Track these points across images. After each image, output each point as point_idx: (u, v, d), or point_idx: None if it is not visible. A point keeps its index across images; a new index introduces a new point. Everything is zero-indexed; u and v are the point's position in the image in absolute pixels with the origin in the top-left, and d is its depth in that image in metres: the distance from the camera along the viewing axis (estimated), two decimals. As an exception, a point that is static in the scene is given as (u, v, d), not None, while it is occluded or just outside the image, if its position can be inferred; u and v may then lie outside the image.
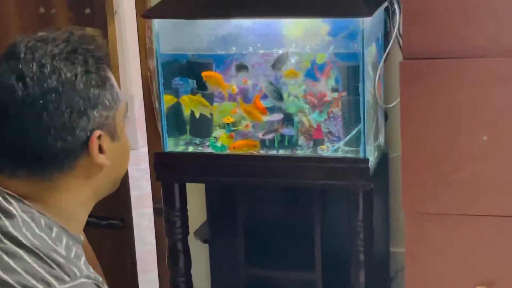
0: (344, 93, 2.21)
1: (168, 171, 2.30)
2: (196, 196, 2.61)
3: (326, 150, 2.22)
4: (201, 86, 2.30)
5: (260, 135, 2.26)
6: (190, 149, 2.32)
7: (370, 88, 2.19)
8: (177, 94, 2.31)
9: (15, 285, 1.27)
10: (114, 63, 2.51)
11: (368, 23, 2.09)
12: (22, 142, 1.34)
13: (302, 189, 2.35)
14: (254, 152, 2.25)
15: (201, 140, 2.34)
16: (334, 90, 2.22)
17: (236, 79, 2.27)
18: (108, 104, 1.39)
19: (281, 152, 2.25)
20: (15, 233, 1.32)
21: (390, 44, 2.29)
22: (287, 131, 2.25)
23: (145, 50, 2.69)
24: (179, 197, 2.32)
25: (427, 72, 1.85)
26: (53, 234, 1.35)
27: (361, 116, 2.13)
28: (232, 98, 2.29)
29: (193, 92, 2.31)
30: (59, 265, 1.29)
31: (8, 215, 1.34)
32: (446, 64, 1.84)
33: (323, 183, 2.18)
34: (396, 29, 2.26)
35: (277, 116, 2.26)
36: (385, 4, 2.26)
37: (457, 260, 1.93)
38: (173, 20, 2.25)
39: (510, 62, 1.80)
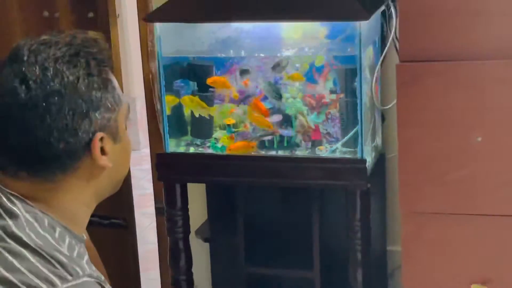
0: (342, 95, 2.21)
1: (170, 171, 2.30)
2: (197, 196, 2.61)
3: (324, 150, 2.22)
4: (202, 88, 2.30)
5: (257, 137, 2.26)
6: (191, 150, 2.32)
7: (367, 90, 2.19)
8: (178, 96, 2.31)
9: (19, 284, 1.26)
10: (116, 66, 2.50)
11: (365, 27, 2.09)
12: (25, 144, 1.33)
13: (301, 189, 2.35)
14: (254, 152, 2.25)
15: (202, 141, 2.34)
16: (332, 92, 2.22)
17: (239, 82, 2.27)
18: (110, 106, 1.39)
19: (280, 152, 2.25)
20: (19, 233, 1.31)
21: (386, 47, 2.29)
22: (286, 132, 2.25)
23: (147, 53, 2.69)
24: (180, 197, 2.32)
25: (423, 75, 1.85)
26: (56, 234, 1.35)
27: (359, 117, 2.13)
28: (232, 100, 2.29)
29: (193, 94, 2.31)
30: (62, 264, 1.29)
31: (12, 215, 1.33)
32: (442, 67, 1.84)
33: (321, 183, 2.18)
34: (392, 33, 2.26)
35: (277, 118, 2.25)
36: (382, 8, 2.26)
37: (452, 258, 1.93)
38: (175, 23, 2.25)
39: (503, 64, 1.80)
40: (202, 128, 2.33)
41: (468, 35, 1.81)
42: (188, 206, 2.35)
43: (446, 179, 1.88)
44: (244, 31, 2.25)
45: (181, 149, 2.33)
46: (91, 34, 1.43)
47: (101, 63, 1.39)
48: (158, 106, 2.65)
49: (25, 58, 1.34)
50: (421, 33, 1.83)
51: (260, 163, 2.21)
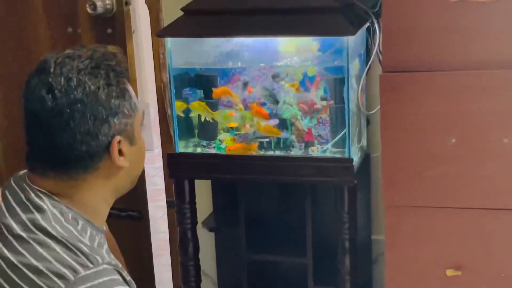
0: (331, 102, 2.20)
1: (179, 169, 2.29)
2: (203, 191, 2.60)
3: (316, 151, 2.22)
4: (207, 95, 2.30)
5: (253, 138, 2.26)
6: (198, 150, 2.32)
7: (354, 97, 2.19)
8: (187, 102, 2.31)
9: (46, 271, 1.27)
10: (132, 76, 2.50)
11: (352, 41, 2.09)
12: (51, 147, 1.33)
13: (295, 185, 2.35)
14: (254, 152, 2.25)
15: (208, 142, 2.33)
16: (323, 99, 2.22)
17: (242, 93, 2.27)
18: (127, 112, 1.39)
19: (277, 152, 2.25)
20: (46, 225, 1.32)
21: (371, 59, 2.29)
22: (282, 134, 2.25)
23: (159, 65, 2.68)
24: (188, 192, 2.32)
25: (403, 83, 1.85)
26: (79, 226, 1.35)
27: (346, 121, 2.13)
28: (231, 103, 2.29)
29: (200, 101, 2.30)
30: (84, 253, 1.29)
31: (40, 209, 1.34)
32: (420, 76, 1.84)
33: (313, 179, 2.17)
34: (376, 46, 2.26)
35: (274, 122, 2.26)
36: (367, 24, 2.26)
37: (430, 246, 1.93)
38: (183, 38, 2.25)
39: (474, 75, 1.80)
40: (207, 130, 2.33)
41: (444, 49, 1.81)
42: (196, 200, 2.35)
43: (424, 176, 1.88)
44: (245, 45, 2.25)
45: (189, 150, 2.32)
46: (110, 48, 1.44)
47: (119, 74, 1.39)
48: (169, 111, 2.65)
49: (52, 70, 1.35)
50: (402, 46, 1.83)
51: (259, 162, 2.21)
